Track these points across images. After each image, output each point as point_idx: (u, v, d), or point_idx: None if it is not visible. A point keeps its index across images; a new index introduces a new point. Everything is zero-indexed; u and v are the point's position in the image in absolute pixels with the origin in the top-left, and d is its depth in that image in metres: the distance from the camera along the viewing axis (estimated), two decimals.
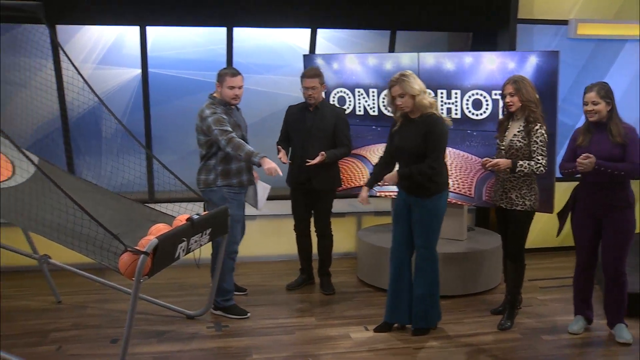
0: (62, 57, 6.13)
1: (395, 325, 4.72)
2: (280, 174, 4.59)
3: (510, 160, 4.41)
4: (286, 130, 5.49)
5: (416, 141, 4.37)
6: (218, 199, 4.80)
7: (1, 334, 4.59)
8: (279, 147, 5.35)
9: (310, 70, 5.32)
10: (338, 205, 6.62)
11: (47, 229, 3.93)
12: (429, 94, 4.55)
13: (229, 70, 4.91)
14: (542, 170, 4.41)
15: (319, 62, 5.92)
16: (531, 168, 4.39)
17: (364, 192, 4.67)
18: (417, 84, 4.34)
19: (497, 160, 4.45)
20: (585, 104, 4.30)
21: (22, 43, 5.72)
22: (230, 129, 4.69)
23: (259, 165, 4.54)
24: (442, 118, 4.42)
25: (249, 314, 5.00)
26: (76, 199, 3.73)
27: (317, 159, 5.17)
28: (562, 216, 4.65)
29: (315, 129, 5.31)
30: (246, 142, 4.89)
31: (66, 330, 4.73)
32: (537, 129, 4.41)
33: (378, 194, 5.89)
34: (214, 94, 4.88)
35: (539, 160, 4.40)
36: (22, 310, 5.17)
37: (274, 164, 4.53)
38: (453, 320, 4.90)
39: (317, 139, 5.29)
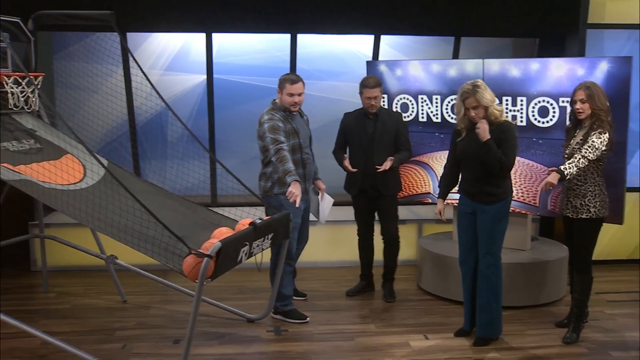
0: (132, 63, 6.31)
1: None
2: (297, 205, 4.49)
3: (556, 174, 4.24)
4: (344, 138, 5.46)
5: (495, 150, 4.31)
6: (277, 206, 4.81)
7: (71, 330, 4.76)
8: (345, 155, 5.36)
9: (372, 80, 5.26)
10: (399, 212, 6.58)
11: (115, 230, 4.01)
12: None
13: (289, 76, 4.89)
14: (583, 162, 4.22)
15: (382, 68, 5.89)
16: (577, 164, 4.22)
17: (440, 205, 4.70)
18: (489, 94, 4.27)
19: (545, 181, 4.28)
20: None
21: (94, 50, 5.92)
22: (283, 139, 4.67)
23: (288, 185, 4.51)
24: (514, 125, 4.40)
25: (308, 319, 5.00)
26: (143, 202, 3.81)
27: (388, 165, 5.16)
28: None
29: (378, 135, 5.27)
30: (308, 149, 4.93)
31: (131, 329, 4.84)
32: (594, 138, 4.25)
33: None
34: (276, 100, 4.91)
35: (581, 153, 4.23)
36: (91, 308, 5.33)
37: (299, 194, 4.45)
38: (515, 332, 4.78)
39: (380, 145, 5.27)
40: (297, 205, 4.48)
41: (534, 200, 5.33)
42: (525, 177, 5.35)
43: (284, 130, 4.74)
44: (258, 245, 4.11)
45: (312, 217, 5.24)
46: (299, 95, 4.81)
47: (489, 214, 4.38)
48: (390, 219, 5.47)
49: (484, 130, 4.23)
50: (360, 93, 5.27)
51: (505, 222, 4.45)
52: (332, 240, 6.54)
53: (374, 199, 5.40)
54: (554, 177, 4.22)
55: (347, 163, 5.30)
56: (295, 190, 4.45)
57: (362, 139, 5.32)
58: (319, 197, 5.16)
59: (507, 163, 4.26)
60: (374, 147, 5.27)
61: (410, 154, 5.47)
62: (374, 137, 5.28)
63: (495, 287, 4.47)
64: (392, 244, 5.52)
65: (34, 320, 4.84)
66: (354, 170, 5.29)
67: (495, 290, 4.48)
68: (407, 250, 6.55)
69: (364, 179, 5.31)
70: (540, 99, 5.17)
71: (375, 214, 5.55)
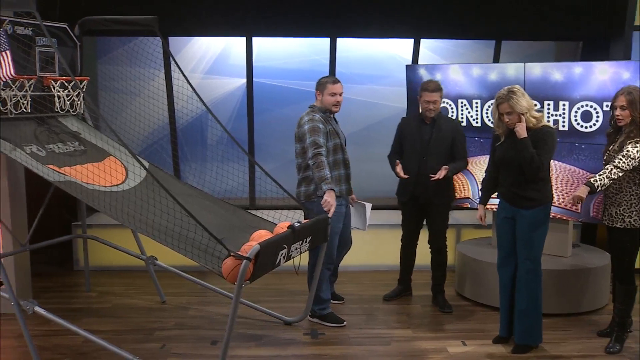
0: (173, 67, 6.39)
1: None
2: (330, 215, 4.51)
3: (585, 187, 4.12)
4: (400, 142, 5.32)
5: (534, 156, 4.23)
6: (319, 211, 4.66)
7: (112, 329, 4.84)
8: (397, 161, 5.19)
9: (433, 84, 5.09)
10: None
11: (155, 232, 4.05)
12: (535, 105, 4.41)
13: (330, 78, 4.96)
14: (616, 173, 4.10)
15: (422, 72, 5.84)
16: (608, 175, 4.11)
17: (481, 210, 4.69)
18: (526, 101, 4.18)
19: (573, 195, 4.15)
20: None
21: (137, 54, 6.01)
22: (322, 141, 4.66)
23: (323, 193, 4.52)
24: (554, 130, 4.32)
25: (344, 322, 4.99)
26: (183, 204, 3.84)
27: (442, 174, 5.02)
28: None
29: (434, 142, 5.14)
30: (343, 151, 4.93)
31: (169, 330, 4.89)
32: (630, 147, 4.13)
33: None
34: (315, 103, 4.92)
35: (614, 163, 4.13)
36: (131, 307, 5.40)
37: (334, 203, 4.50)
38: (556, 340, 4.68)
39: (435, 152, 5.13)
40: (329, 215, 4.50)
41: (576, 206, 5.21)
42: (567, 183, 5.24)
43: (324, 131, 4.73)
44: (296, 248, 4.12)
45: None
46: (340, 95, 4.86)
47: (528, 219, 4.31)
48: (439, 229, 5.36)
49: (521, 128, 4.17)
50: (419, 96, 5.15)
51: (545, 228, 4.37)
52: (370, 245, 6.50)
53: (424, 207, 5.29)
54: (583, 191, 4.10)
55: (399, 169, 5.14)
56: (330, 200, 4.47)
57: (417, 145, 5.19)
58: (357, 206, 5.14)
59: (538, 163, 4.16)
60: (429, 153, 5.14)
61: (466, 164, 5.33)
62: (429, 143, 5.14)
63: (535, 294, 4.39)
64: (439, 254, 5.42)
65: (77, 318, 4.93)
66: (405, 177, 5.15)
67: (535, 297, 4.39)
68: None
69: (416, 185, 5.18)
70: (583, 103, 5.06)
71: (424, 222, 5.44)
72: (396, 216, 6.39)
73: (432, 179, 5.04)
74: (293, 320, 5.02)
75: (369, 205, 5.16)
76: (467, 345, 4.60)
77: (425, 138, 5.15)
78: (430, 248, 5.43)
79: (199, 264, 3.87)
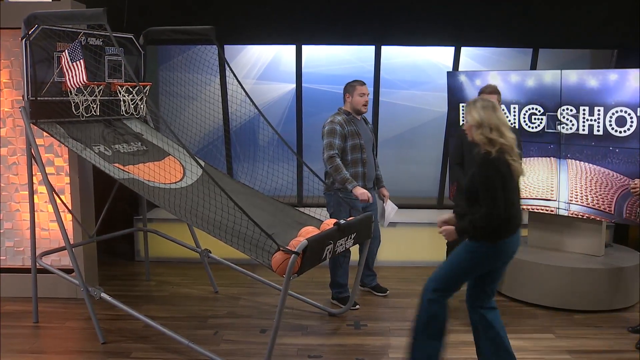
0: (228, 73, 6.52)
1: None
2: (371, 200, 4.76)
3: None
4: (462, 151, 4.97)
5: (468, 181, 3.54)
6: (334, 203, 4.96)
7: (169, 315, 4.99)
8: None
9: (489, 87, 4.94)
10: None
11: (210, 226, 4.14)
12: (497, 128, 3.39)
13: (357, 80, 5.15)
14: None
15: (462, 78, 5.84)
16: None
17: None
18: (478, 114, 3.41)
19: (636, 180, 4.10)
20: None
21: (194, 61, 6.15)
22: (337, 143, 4.89)
23: (351, 191, 4.75)
24: (500, 161, 3.35)
25: (358, 306, 5.13)
26: (236, 201, 3.92)
27: None
28: None
29: None
30: (369, 152, 5.06)
31: (222, 318, 5.00)
32: None
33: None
34: (341, 107, 5.14)
35: None
36: (186, 296, 5.55)
37: (366, 192, 4.75)
38: (588, 336, 4.65)
39: None
40: (370, 201, 4.78)
41: (609, 207, 5.15)
42: (601, 185, 5.18)
43: (343, 133, 4.94)
44: (341, 244, 4.16)
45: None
46: (367, 95, 5.08)
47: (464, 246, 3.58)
48: None
49: (447, 234, 3.57)
50: None
51: (471, 263, 3.51)
52: (411, 241, 6.51)
53: None
54: None
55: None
56: (360, 194, 4.74)
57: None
58: (384, 203, 5.18)
59: (480, 222, 3.34)
60: None
61: None
62: None
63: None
64: None
65: (138, 305, 5.09)
66: None
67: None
68: None
69: None
70: (618, 108, 4.99)
71: None
72: (436, 215, 6.39)
73: None
74: (337, 311, 5.09)
75: (395, 208, 5.19)
76: None
77: None
78: None
79: (250, 257, 3.94)
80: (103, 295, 4.41)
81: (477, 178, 3.41)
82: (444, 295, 3.63)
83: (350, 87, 5.07)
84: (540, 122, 5.41)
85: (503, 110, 5.63)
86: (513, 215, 3.42)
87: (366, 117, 5.26)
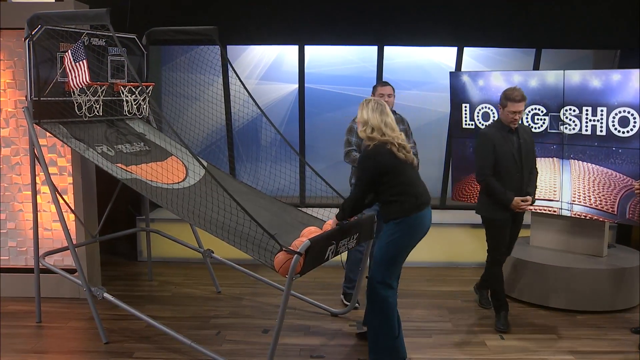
0: (230, 73, 6.52)
1: None
2: None
3: None
4: (494, 156, 4.58)
5: None
6: None
7: (172, 315, 4.98)
8: (515, 197, 4.56)
9: (519, 93, 4.52)
10: (478, 217, 6.47)
11: (212, 226, 4.14)
12: (378, 128, 3.85)
13: (380, 82, 5.24)
14: None
15: (465, 79, 5.83)
16: None
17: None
18: (367, 114, 3.88)
19: None
20: None
21: (197, 62, 6.15)
22: (353, 142, 4.93)
23: None
24: (372, 149, 3.84)
25: (357, 305, 5.08)
26: (238, 201, 3.92)
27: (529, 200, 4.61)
28: None
29: (525, 153, 4.62)
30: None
31: (224, 318, 5.00)
32: None
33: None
34: None
35: None
36: (188, 296, 5.54)
37: None
38: (591, 336, 4.64)
39: (527, 162, 4.64)
40: None
41: (612, 208, 5.13)
42: (604, 186, 5.16)
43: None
44: (344, 245, 4.16)
45: None
46: (388, 96, 5.04)
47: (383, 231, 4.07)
48: (516, 237, 4.92)
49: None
50: (503, 106, 4.56)
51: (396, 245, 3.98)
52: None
53: (512, 219, 4.75)
54: None
55: (520, 202, 4.53)
56: None
57: (508, 156, 4.57)
58: None
59: (353, 202, 3.94)
60: (523, 166, 4.62)
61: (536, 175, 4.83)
62: (520, 155, 4.60)
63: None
64: (502, 264, 4.91)
65: (140, 305, 5.09)
66: (528, 205, 4.59)
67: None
68: (485, 253, 6.43)
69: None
70: (621, 109, 4.98)
71: None
72: (439, 215, 6.40)
73: (522, 208, 4.59)
74: (339, 312, 5.08)
75: None
76: (504, 339, 4.59)
77: (515, 147, 4.60)
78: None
79: (252, 257, 3.93)
80: (105, 295, 4.41)
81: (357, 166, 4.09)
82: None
83: (374, 87, 5.16)
84: (543, 123, 5.39)
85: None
86: (419, 193, 3.93)
87: (399, 114, 5.18)
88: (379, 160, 3.82)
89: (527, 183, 4.66)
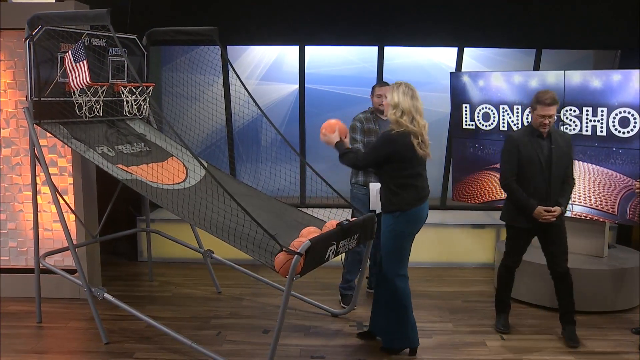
0: (231, 73, 6.53)
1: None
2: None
3: None
4: (519, 163, 4.40)
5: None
6: (351, 197, 5.12)
7: (172, 316, 4.98)
8: (539, 207, 4.35)
9: (549, 96, 4.26)
10: (478, 217, 6.50)
11: (212, 227, 4.14)
12: (409, 113, 3.95)
13: (379, 82, 5.29)
14: None
15: (465, 79, 5.83)
16: None
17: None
18: (398, 97, 3.95)
19: None
20: None
21: (197, 62, 6.16)
22: (358, 138, 5.00)
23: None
24: (396, 135, 3.93)
25: (354, 307, 5.08)
26: (238, 201, 3.91)
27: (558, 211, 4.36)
28: None
29: (556, 159, 4.36)
30: None
31: (224, 318, 5.00)
32: None
33: None
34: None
35: None
36: (189, 297, 5.54)
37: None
38: (593, 337, 4.63)
39: (557, 170, 4.38)
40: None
41: (613, 208, 5.13)
42: (605, 186, 5.16)
43: (361, 129, 5.05)
44: (344, 245, 4.15)
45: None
46: (384, 96, 4.95)
47: (383, 223, 4.22)
48: (563, 249, 4.52)
49: (327, 139, 4.28)
50: (533, 109, 4.35)
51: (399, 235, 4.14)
52: (414, 242, 6.49)
53: (538, 230, 4.52)
54: None
55: (543, 211, 4.31)
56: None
57: (540, 165, 4.36)
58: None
59: (355, 161, 4.16)
60: (552, 174, 4.37)
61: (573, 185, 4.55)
62: (550, 161, 4.35)
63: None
64: (565, 278, 4.53)
65: (141, 305, 5.10)
66: (555, 216, 4.34)
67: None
68: (484, 254, 6.44)
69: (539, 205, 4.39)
70: (621, 109, 4.98)
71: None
72: (439, 216, 6.41)
73: (550, 218, 4.35)
74: (340, 312, 5.08)
75: (374, 186, 5.00)
76: (505, 339, 4.59)
77: (546, 153, 4.37)
78: (551, 273, 4.57)
79: (252, 257, 3.93)
80: (106, 295, 4.41)
81: (372, 144, 4.19)
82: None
83: (373, 88, 5.18)
84: None
85: (506, 111, 5.62)
86: (421, 187, 4.08)
87: None
88: (398, 150, 3.94)
89: (557, 192, 4.39)
